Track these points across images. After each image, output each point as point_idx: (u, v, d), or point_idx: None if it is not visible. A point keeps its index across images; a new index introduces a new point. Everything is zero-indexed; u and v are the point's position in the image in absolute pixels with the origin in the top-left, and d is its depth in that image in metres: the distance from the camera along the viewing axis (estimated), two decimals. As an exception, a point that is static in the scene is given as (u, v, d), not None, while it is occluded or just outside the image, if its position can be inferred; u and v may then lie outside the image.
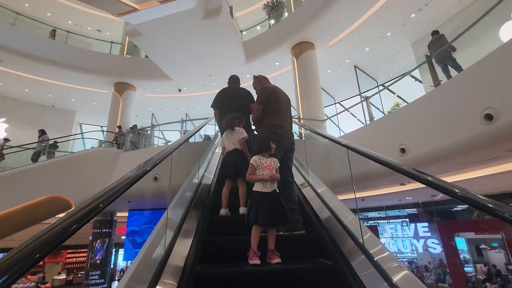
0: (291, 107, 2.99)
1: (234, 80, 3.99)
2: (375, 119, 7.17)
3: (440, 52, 5.31)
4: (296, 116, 9.84)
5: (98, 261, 9.56)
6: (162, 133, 13.80)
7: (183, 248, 1.94)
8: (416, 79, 11.08)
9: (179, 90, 12.70)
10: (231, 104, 3.57)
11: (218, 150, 4.99)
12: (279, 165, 2.27)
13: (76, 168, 7.72)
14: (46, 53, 10.86)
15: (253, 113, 2.85)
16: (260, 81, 3.13)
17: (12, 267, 0.57)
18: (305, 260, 2.03)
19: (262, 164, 2.17)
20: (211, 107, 3.75)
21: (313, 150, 6.80)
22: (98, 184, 7.35)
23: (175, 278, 1.63)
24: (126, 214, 10.79)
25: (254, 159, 2.20)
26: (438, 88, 4.96)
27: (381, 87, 12.20)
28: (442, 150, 4.59)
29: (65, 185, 7.24)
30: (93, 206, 0.90)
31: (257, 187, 2.13)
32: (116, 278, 13.95)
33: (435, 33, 5.73)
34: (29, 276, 13.23)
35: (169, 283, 1.55)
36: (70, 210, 0.78)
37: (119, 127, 10.76)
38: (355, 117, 12.63)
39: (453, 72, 5.25)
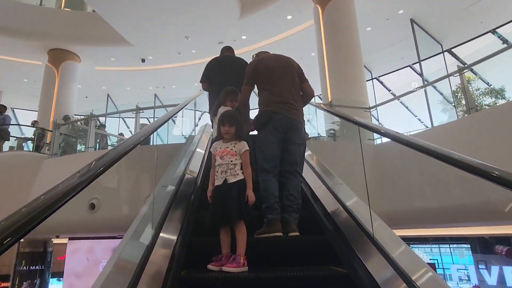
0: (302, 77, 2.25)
1: (227, 49, 3.69)
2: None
3: None
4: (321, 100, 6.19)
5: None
6: (125, 122, 10.31)
7: (165, 251, 1.72)
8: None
9: (143, 61, 9.42)
10: (223, 76, 3.24)
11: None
12: (246, 149, 1.81)
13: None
14: None
15: (239, 96, 2.47)
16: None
17: None
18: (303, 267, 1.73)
19: (217, 150, 1.87)
20: (200, 82, 3.48)
21: (346, 158, 3.97)
22: (9, 204, 4.19)
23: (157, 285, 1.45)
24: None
25: (212, 147, 1.96)
26: None
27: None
28: None
29: None
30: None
31: None
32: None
33: None
34: None
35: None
36: None
37: (34, 122, 7.88)
38: (398, 99, 8.97)
39: None
